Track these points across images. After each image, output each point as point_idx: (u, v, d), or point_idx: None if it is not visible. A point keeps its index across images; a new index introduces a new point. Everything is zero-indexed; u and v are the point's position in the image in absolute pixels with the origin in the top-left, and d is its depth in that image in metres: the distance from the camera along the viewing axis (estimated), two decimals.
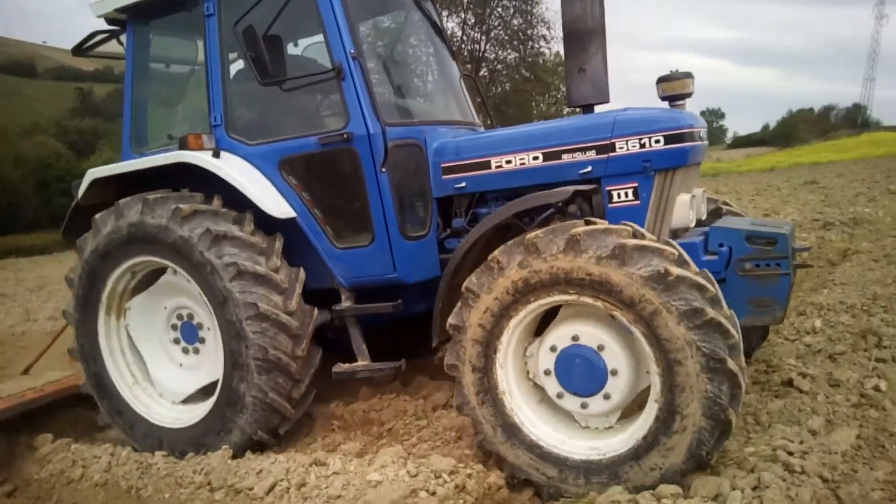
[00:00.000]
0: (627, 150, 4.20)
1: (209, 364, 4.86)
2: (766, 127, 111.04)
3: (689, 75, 4.31)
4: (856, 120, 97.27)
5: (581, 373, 3.68)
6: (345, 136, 4.48)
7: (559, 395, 3.79)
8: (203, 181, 4.73)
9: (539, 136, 4.53)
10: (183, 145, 4.72)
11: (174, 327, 5.05)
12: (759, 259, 4.04)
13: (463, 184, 4.67)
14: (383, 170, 4.47)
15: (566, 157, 4.36)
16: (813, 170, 32.22)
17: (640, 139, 4.18)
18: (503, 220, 4.19)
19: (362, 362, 4.62)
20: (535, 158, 4.45)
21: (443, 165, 4.72)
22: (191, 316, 4.96)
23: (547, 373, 3.79)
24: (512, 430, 3.78)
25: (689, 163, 4.25)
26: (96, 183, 4.99)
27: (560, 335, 3.75)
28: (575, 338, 3.70)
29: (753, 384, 4.68)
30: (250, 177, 4.68)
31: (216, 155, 4.71)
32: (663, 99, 4.38)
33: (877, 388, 4.36)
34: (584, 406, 3.74)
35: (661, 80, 4.35)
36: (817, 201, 15.75)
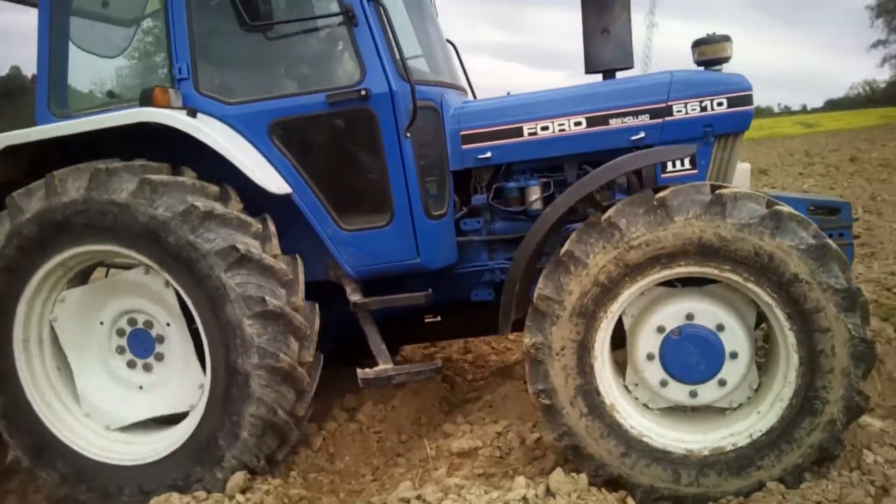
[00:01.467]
0: (686, 113, 3.86)
1: (168, 389, 3.95)
2: None
3: (726, 38, 4.00)
4: None
5: (691, 355, 3.26)
6: (361, 93, 3.71)
7: (663, 383, 3.33)
8: (157, 151, 3.77)
9: (582, 99, 4.03)
10: (147, 101, 3.69)
11: (120, 333, 3.99)
12: (823, 229, 3.69)
13: (487, 154, 4.05)
14: (408, 135, 3.76)
15: (614, 123, 3.93)
16: None
17: (702, 101, 3.85)
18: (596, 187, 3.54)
19: (385, 365, 3.82)
20: (578, 124, 3.96)
21: (462, 133, 4.07)
22: (149, 324, 3.94)
23: (650, 357, 3.32)
24: (609, 420, 3.26)
25: (748, 128, 3.96)
26: (5, 154, 3.81)
27: (669, 314, 3.28)
28: (689, 316, 3.26)
29: None
30: (234, 144, 3.76)
31: (192, 114, 3.73)
32: (699, 63, 4.05)
33: None
34: (693, 394, 3.32)
35: (697, 44, 4.03)
36: None
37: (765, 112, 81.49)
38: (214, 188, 3.70)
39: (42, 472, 3.84)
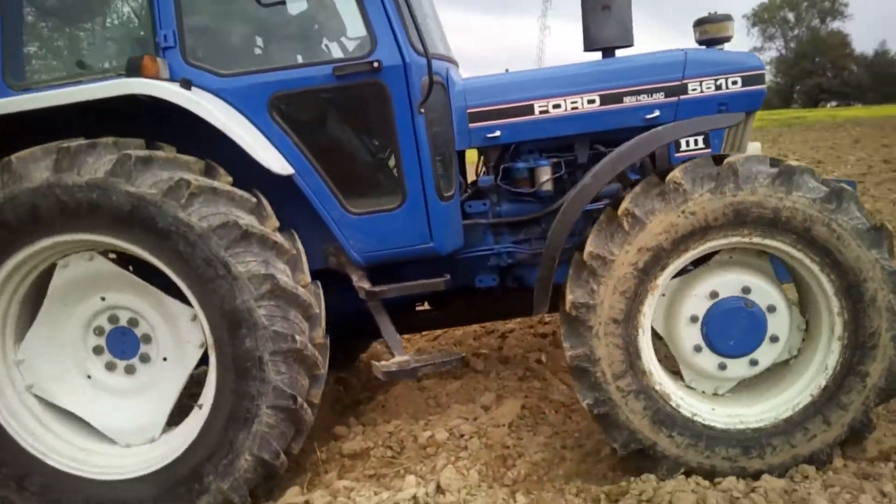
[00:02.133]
0: (701, 92, 3.83)
1: (152, 395, 3.58)
2: None
3: (728, 17, 3.99)
4: None
5: (738, 330, 3.25)
6: (374, 65, 3.45)
7: (697, 349, 3.31)
8: (125, 129, 3.39)
9: (596, 76, 3.92)
10: (134, 70, 3.31)
11: (98, 332, 3.57)
12: None
13: (496, 133, 3.88)
14: (421, 111, 3.53)
15: (628, 101, 3.85)
16: None
17: (717, 80, 3.82)
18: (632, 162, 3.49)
19: (402, 357, 3.59)
20: (591, 102, 3.85)
21: (469, 111, 3.88)
22: (133, 322, 3.54)
23: (693, 319, 3.29)
24: (646, 386, 3.24)
25: (760, 107, 3.97)
26: None
27: (725, 282, 3.27)
28: (746, 290, 3.25)
29: None
30: (233, 120, 3.42)
31: (186, 86, 3.36)
32: (701, 42, 4.05)
33: (539, 361, 4.88)
34: (721, 367, 3.32)
35: (700, 23, 4.01)
36: None
37: None
38: (200, 162, 3.38)
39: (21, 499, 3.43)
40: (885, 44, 72.92)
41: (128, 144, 3.30)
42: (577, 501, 3.19)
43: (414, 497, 3.13)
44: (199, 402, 3.45)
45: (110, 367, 3.58)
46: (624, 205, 3.11)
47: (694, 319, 3.28)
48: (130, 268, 3.62)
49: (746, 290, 3.25)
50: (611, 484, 3.27)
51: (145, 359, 3.57)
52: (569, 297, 3.19)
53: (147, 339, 3.55)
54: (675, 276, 3.30)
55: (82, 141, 3.23)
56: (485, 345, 5.50)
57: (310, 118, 3.64)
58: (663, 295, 3.31)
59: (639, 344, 3.21)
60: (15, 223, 3.20)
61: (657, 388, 3.23)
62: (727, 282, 3.26)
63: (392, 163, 3.70)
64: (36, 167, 3.18)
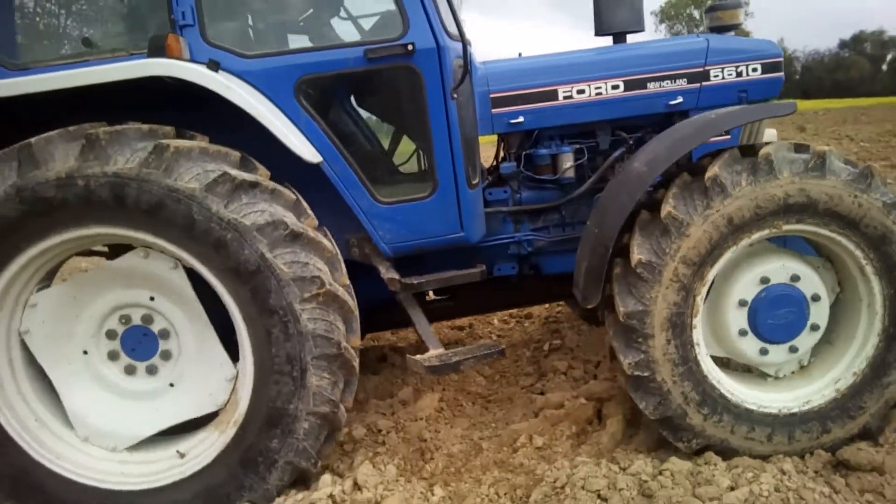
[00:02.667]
0: (723, 78, 3.88)
1: (185, 390, 3.35)
2: None
3: (739, 4, 4.07)
4: None
5: (783, 317, 3.27)
6: (408, 47, 3.30)
7: (742, 332, 3.32)
8: (128, 116, 3.11)
9: (619, 62, 3.90)
10: (157, 50, 3.05)
11: (111, 335, 3.31)
12: None
13: (520, 119, 3.82)
14: (455, 96, 3.41)
15: (652, 87, 3.86)
16: None
17: (738, 67, 3.89)
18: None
19: (438, 350, 3.41)
20: (615, 87, 3.84)
21: (492, 96, 3.79)
22: (148, 319, 3.29)
23: (742, 303, 3.29)
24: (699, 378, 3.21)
25: (778, 95, 4.05)
26: None
27: (775, 269, 3.27)
28: (794, 278, 3.26)
29: None
30: (262, 104, 3.21)
31: (213, 68, 3.13)
32: (712, 29, 4.12)
33: None
34: (763, 352, 3.33)
35: (710, 10, 4.10)
36: None
37: None
38: (236, 154, 3.13)
39: None
40: (783, 42, 77.16)
41: (158, 133, 3.04)
42: (492, 491, 3.24)
43: (330, 496, 3.09)
44: (231, 411, 3.25)
45: (130, 370, 3.36)
46: (667, 208, 3.06)
47: (742, 303, 3.28)
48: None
49: (795, 278, 3.27)
50: (526, 473, 3.34)
51: (152, 370, 3.35)
52: (620, 309, 3.12)
53: (166, 355, 3.34)
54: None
55: (110, 127, 2.97)
56: (402, 338, 5.47)
57: (339, 103, 3.48)
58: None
59: (692, 333, 3.18)
60: (32, 214, 2.91)
61: (704, 369, 3.23)
62: (777, 269, 3.27)
63: (421, 150, 3.60)
64: (59, 153, 2.90)
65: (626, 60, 3.90)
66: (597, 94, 3.83)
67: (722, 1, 4.09)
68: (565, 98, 3.82)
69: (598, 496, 2.89)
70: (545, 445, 3.62)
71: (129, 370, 3.33)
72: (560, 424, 3.78)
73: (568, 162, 3.90)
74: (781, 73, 3.95)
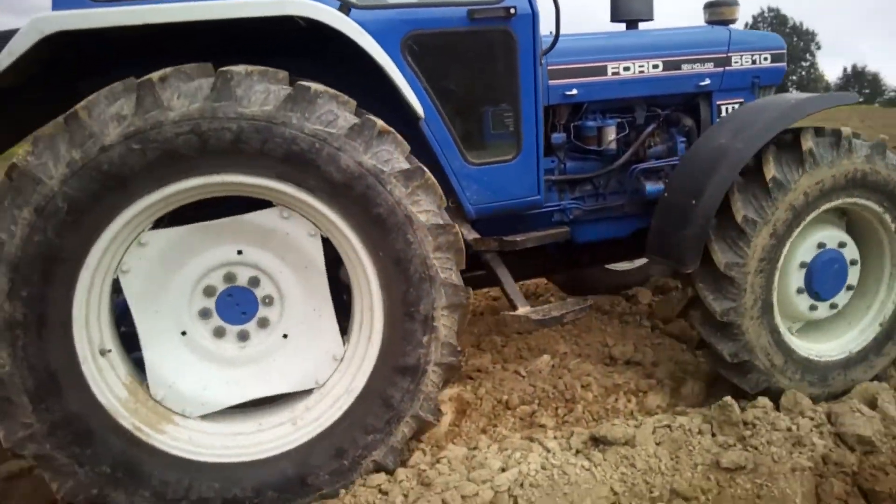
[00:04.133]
0: (741, 65, 4.38)
1: (280, 363, 3.19)
2: None
3: (735, 2, 4.59)
4: None
5: (830, 278, 3.78)
6: (510, 10, 3.40)
7: (798, 291, 3.79)
8: (222, 56, 2.87)
9: (660, 44, 4.27)
10: None
11: (209, 293, 3.08)
12: None
13: (573, 91, 4.01)
14: (543, 61, 3.57)
15: (685, 68, 4.26)
16: None
17: (752, 55, 4.40)
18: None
19: (526, 308, 3.49)
20: (655, 67, 4.19)
21: (550, 68, 3.94)
22: (255, 281, 3.10)
23: (802, 265, 3.75)
24: (767, 311, 3.65)
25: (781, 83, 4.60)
26: (56, 41, 2.67)
27: (829, 236, 3.77)
28: (841, 244, 3.80)
29: None
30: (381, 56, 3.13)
31: (345, 11, 3.03)
32: (710, 23, 4.62)
33: None
34: (812, 308, 3.83)
35: (711, 5, 4.60)
36: None
37: None
38: (353, 102, 2.98)
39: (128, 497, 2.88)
40: None
41: (279, 76, 2.83)
42: None
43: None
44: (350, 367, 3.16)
45: (219, 332, 3.12)
46: (771, 173, 3.47)
47: (802, 265, 3.75)
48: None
49: (842, 244, 3.81)
50: None
51: (245, 336, 3.15)
52: (721, 261, 3.49)
53: (264, 321, 3.15)
54: None
55: (243, 67, 2.76)
56: None
57: (439, 61, 3.44)
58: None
59: (773, 288, 3.63)
60: (154, 159, 2.67)
61: (777, 321, 3.69)
62: (831, 236, 3.78)
63: (508, 113, 3.65)
64: (186, 92, 2.67)
65: (664, 43, 4.28)
66: (640, 71, 4.15)
67: None
68: (613, 74, 4.10)
69: (380, 490, 2.98)
70: None
71: (219, 332, 3.11)
72: None
73: (611, 135, 4.17)
74: (784, 64, 4.53)
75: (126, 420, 2.87)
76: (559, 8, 3.56)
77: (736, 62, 4.37)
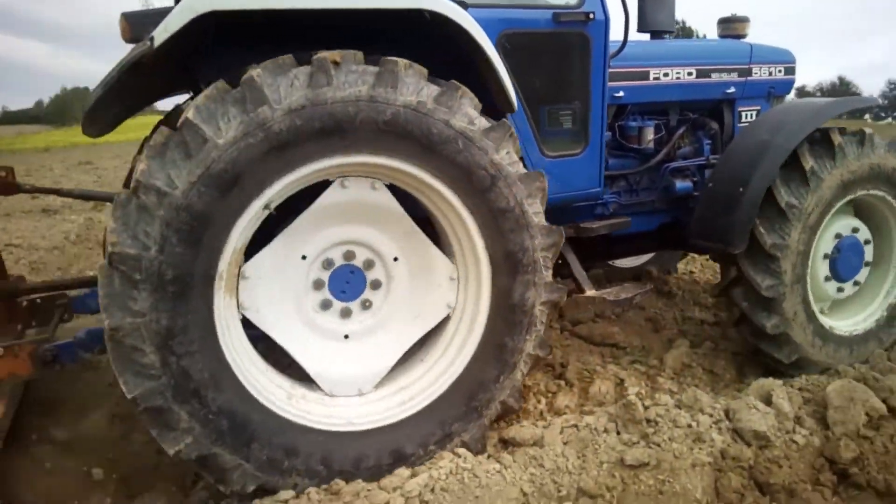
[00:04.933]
0: (760, 76, 4.84)
1: (407, 308, 3.33)
2: (39, 103, 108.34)
3: (746, 19, 5.10)
4: None
5: (851, 260, 4.26)
6: (590, 15, 3.69)
7: (826, 278, 4.25)
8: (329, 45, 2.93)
9: (694, 53, 4.64)
10: None
11: (326, 265, 3.17)
12: None
13: (620, 93, 4.32)
14: (611, 63, 3.87)
15: (714, 77, 4.66)
16: (89, 150, 31.46)
17: (770, 68, 4.88)
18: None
19: (592, 291, 3.76)
20: (690, 74, 4.56)
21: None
22: (369, 264, 3.24)
23: (825, 256, 4.18)
24: (803, 290, 4.07)
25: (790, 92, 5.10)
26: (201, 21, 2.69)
27: (843, 225, 4.20)
28: (854, 230, 4.24)
29: None
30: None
31: (464, 7, 3.15)
32: (723, 36, 5.11)
33: None
34: (839, 290, 4.32)
35: (725, 21, 5.08)
36: (90, 182, 16.26)
37: None
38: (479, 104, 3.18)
39: (239, 458, 2.89)
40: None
41: (417, 70, 2.94)
42: None
43: None
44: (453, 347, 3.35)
45: (326, 305, 3.20)
46: (809, 164, 3.90)
47: (825, 256, 4.20)
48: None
49: (855, 230, 4.27)
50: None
51: (366, 304, 3.26)
52: (767, 241, 3.89)
53: (376, 284, 3.25)
54: None
55: (402, 60, 2.90)
56: None
57: (523, 59, 3.64)
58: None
59: (807, 271, 4.05)
60: (314, 133, 2.76)
61: (810, 296, 4.10)
62: (844, 225, 4.25)
63: (577, 110, 3.92)
64: (353, 77, 2.81)
65: (697, 53, 4.67)
66: (676, 78, 4.52)
67: (734, 14, 5.10)
68: (654, 79, 4.44)
69: (284, 502, 2.92)
70: None
71: (345, 313, 3.22)
72: None
73: (650, 135, 4.49)
74: (794, 76, 5.03)
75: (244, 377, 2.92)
76: (629, 15, 3.86)
77: (756, 73, 4.82)
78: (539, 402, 3.97)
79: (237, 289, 2.97)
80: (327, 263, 3.16)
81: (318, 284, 3.16)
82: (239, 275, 2.97)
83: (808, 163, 3.90)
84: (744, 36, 5.09)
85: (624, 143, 4.48)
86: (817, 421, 3.45)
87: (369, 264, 3.23)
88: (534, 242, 3.19)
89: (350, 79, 2.79)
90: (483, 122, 3.03)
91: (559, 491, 2.95)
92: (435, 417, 3.22)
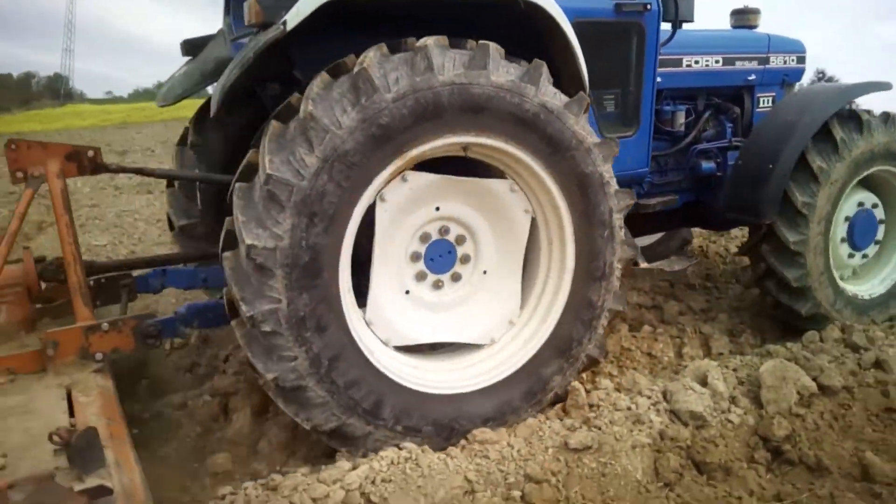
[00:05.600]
0: (776, 64, 5.29)
1: (464, 316, 3.59)
2: None
3: (758, 10, 5.49)
4: (58, 90, 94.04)
5: (865, 232, 4.77)
6: (647, 6, 4.10)
7: (842, 240, 4.80)
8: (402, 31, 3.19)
9: (720, 42, 5.07)
10: None
11: (424, 238, 3.46)
12: None
13: (659, 79, 4.54)
14: (661, 51, 4.24)
15: (738, 65, 5.11)
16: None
17: (784, 57, 5.33)
18: None
19: (645, 263, 4.28)
20: (717, 62, 4.99)
21: None
22: (460, 239, 3.53)
23: (846, 219, 4.72)
24: (825, 249, 4.62)
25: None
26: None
27: (865, 197, 4.77)
28: (874, 205, 4.83)
29: None
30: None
31: None
32: (735, 27, 5.53)
33: None
34: (849, 255, 4.85)
35: (738, 13, 5.45)
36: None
37: (201, 93, 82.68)
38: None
39: (370, 427, 3.18)
40: None
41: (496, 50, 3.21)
42: None
43: None
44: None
45: (420, 277, 3.51)
46: (839, 134, 4.43)
47: (847, 219, 4.71)
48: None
49: (875, 205, 4.80)
50: None
51: (438, 285, 3.55)
52: (799, 199, 4.39)
53: (465, 259, 3.58)
54: None
55: (494, 44, 3.17)
56: None
57: (589, 46, 3.75)
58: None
59: (832, 233, 4.64)
60: (420, 117, 3.01)
61: (830, 257, 4.68)
62: (867, 197, 4.79)
63: (630, 94, 4.32)
64: (448, 60, 3.04)
65: (723, 43, 5.10)
66: (706, 65, 4.96)
67: (746, 6, 5.51)
68: (686, 66, 4.88)
69: (222, 498, 2.92)
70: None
71: (420, 276, 3.50)
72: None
73: (682, 119, 4.94)
74: (805, 65, 5.49)
75: (367, 351, 3.17)
76: (678, 7, 4.22)
77: (773, 62, 5.27)
78: None
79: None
80: (425, 237, 3.45)
81: (415, 257, 3.45)
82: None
83: (839, 133, 4.44)
84: (755, 26, 5.50)
85: (659, 126, 4.83)
86: (751, 400, 3.58)
87: (461, 239, 3.54)
88: (610, 204, 3.52)
89: (448, 64, 3.02)
90: (563, 96, 3.33)
91: (506, 478, 2.97)
92: (533, 373, 3.54)
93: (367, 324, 3.32)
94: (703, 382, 3.66)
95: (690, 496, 2.96)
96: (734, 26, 5.54)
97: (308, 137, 2.82)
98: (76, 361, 3.18)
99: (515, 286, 3.65)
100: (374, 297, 3.32)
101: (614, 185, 3.51)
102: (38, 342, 3.25)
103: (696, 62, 4.94)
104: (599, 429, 3.25)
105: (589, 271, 3.56)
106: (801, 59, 5.53)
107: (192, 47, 4.59)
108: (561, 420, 3.40)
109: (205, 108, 4.53)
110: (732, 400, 3.57)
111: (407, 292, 3.46)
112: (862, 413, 3.61)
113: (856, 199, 4.76)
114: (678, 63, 4.83)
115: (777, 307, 4.77)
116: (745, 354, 4.25)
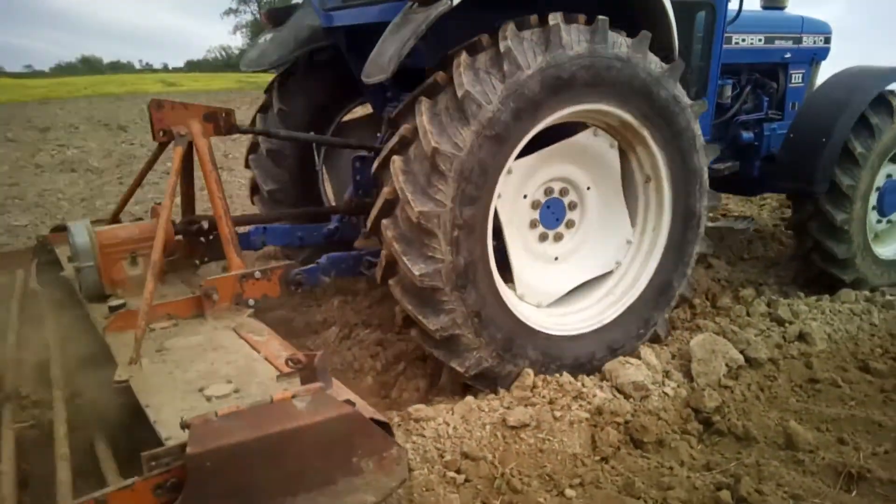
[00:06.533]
0: (808, 44, 5.61)
1: (586, 254, 3.97)
2: None
3: None
4: None
5: (891, 200, 5.23)
6: None
7: (873, 207, 5.21)
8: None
9: (763, 22, 5.34)
10: None
11: (535, 206, 3.79)
12: None
13: None
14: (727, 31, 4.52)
15: (777, 43, 5.41)
16: None
17: (814, 37, 5.64)
18: None
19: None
20: (759, 41, 5.29)
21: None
22: (564, 191, 3.84)
23: (877, 189, 5.14)
24: (865, 222, 5.10)
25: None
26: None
27: (893, 170, 5.20)
28: (889, 175, 5.22)
29: None
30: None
31: None
32: (765, 8, 5.81)
33: None
34: (878, 221, 5.31)
35: None
36: None
37: (126, 68, 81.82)
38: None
39: (511, 366, 3.53)
40: None
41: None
42: None
43: None
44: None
45: (542, 237, 3.87)
46: (875, 120, 4.84)
47: (877, 189, 5.12)
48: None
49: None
50: None
51: (558, 237, 3.90)
52: (844, 182, 4.83)
53: (573, 205, 3.89)
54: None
55: (606, 18, 3.42)
56: None
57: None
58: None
59: (868, 205, 5.08)
60: (552, 90, 3.30)
61: (867, 227, 5.12)
62: (894, 169, 5.18)
63: (699, 69, 4.63)
64: (575, 36, 3.32)
65: (764, 23, 5.33)
66: (750, 43, 5.23)
67: None
68: (735, 44, 5.09)
69: None
70: None
71: (542, 237, 3.86)
72: None
73: (728, 92, 5.18)
74: (830, 45, 5.77)
75: (515, 308, 3.56)
76: None
77: (805, 41, 5.55)
78: (419, 368, 3.93)
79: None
80: (535, 204, 3.76)
81: (533, 224, 3.79)
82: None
83: (874, 119, 4.84)
84: (784, 7, 5.75)
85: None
86: (684, 374, 3.65)
87: (564, 191, 3.85)
88: (700, 157, 3.87)
89: (574, 39, 3.31)
90: (662, 63, 3.63)
91: (442, 456, 2.94)
92: (638, 314, 3.93)
93: (520, 298, 3.72)
94: (638, 357, 3.72)
95: (625, 467, 3.01)
96: (764, 7, 5.80)
97: (464, 112, 3.12)
98: (230, 307, 3.34)
99: (622, 210, 3.97)
100: (517, 273, 3.72)
101: (702, 140, 3.88)
102: (182, 290, 3.57)
103: (743, 40, 5.20)
104: (537, 406, 3.27)
105: (683, 220, 3.93)
106: (828, 40, 5.80)
107: (277, 17, 4.89)
108: (499, 398, 3.40)
109: (284, 74, 4.93)
110: (666, 374, 3.65)
111: (538, 256, 3.84)
112: (786, 384, 3.75)
113: (885, 172, 5.14)
114: (729, 40, 4.99)
115: (822, 275, 5.16)
116: (675, 329, 4.35)
